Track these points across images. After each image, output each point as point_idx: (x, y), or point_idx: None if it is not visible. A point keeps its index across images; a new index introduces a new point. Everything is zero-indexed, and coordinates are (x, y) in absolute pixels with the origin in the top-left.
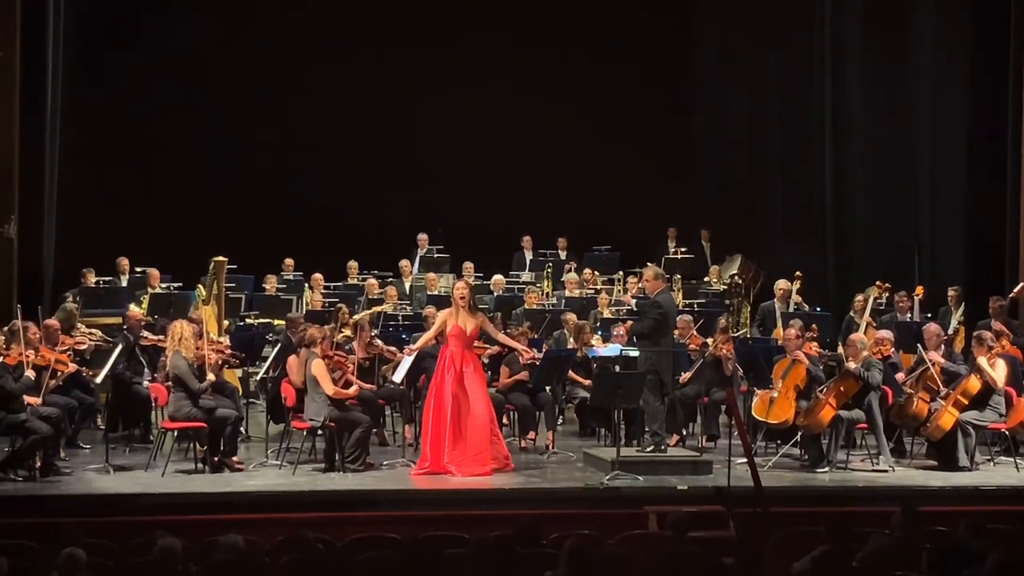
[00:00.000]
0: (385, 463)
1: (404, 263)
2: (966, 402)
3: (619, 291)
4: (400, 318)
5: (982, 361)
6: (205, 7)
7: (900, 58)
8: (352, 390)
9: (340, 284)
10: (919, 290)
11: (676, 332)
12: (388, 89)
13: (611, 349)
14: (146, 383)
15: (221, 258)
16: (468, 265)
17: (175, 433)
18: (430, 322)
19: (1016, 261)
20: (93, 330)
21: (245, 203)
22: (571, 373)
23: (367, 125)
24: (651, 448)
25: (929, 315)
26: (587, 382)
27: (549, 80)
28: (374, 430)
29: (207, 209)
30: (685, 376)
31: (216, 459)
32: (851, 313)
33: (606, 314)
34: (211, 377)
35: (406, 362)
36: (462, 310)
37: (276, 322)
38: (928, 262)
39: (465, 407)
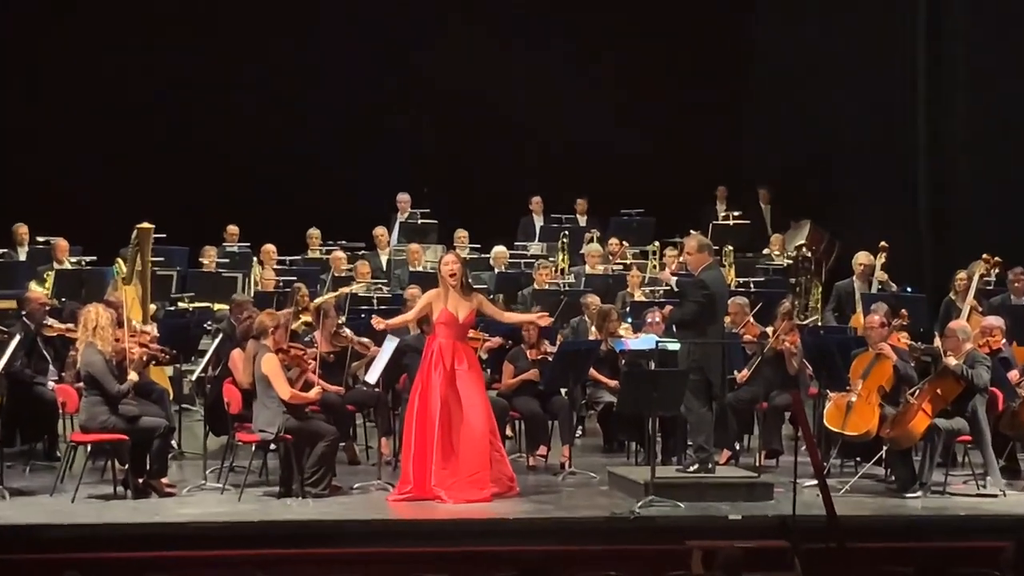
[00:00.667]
0: (356, 486)
1: (380, 231)
2: None
3: (654, 267)
4: (375, 301)
5: None
6: None
7: None
8: (314, 393)
9: (298, 258)
10: None
11: (727, 319)
12: (367, 22)
13: (644, 340)
14: (51, 384)
15: (146, 225)
16: (462, 233)
17: (88, 448)
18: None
19: None
20: None
21: (178, 157)
22: (593, 371)
23: (332, 62)
24: (695, 467)
25: None
26: (614, 383)
27: (568, 4)
28: (342, 444)
29: (129, 165)
30: (740, 375)
31: (141, 481)
32: (951, 295)
33: (638, 296)
34: (133, 376)
35: (383, 356)
36: (452, 291)
37: (216, 307)
38: None
39: (457, 415)
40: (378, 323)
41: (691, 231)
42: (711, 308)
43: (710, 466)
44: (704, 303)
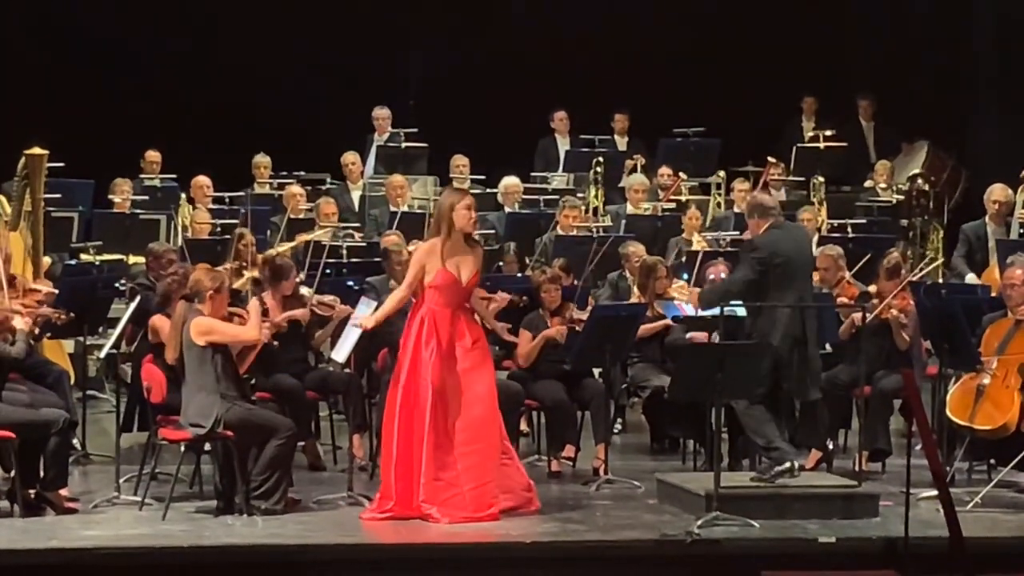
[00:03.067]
0: (320, 499)
1: (351, 159)
2: None
3: (718, 204)
4: (344, 252)
5: None
6: None
7: None
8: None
9: (241, 194)
10: None
11: (816, 277)
12: None
13: None
14: None
15: (38, 150)
16: (460, 161)
17: None
18: (395, 260)
19: None
20: None
21: (80, 60)
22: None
23: None
24: (772, 471)
25: None
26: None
27: None
28: (300, 443)
29: (15, 73)
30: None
31: (33, 493)
32: None
33: (697, 244)
34: (23, 329)
35: (354, 328)
36: (453, 242)
37: (132, 259)
38: None
39: (455, 407)
40: (364, 324)
41: (769, 158)
42: (774, 279)
43: (787, 465)
44: (760, 271)
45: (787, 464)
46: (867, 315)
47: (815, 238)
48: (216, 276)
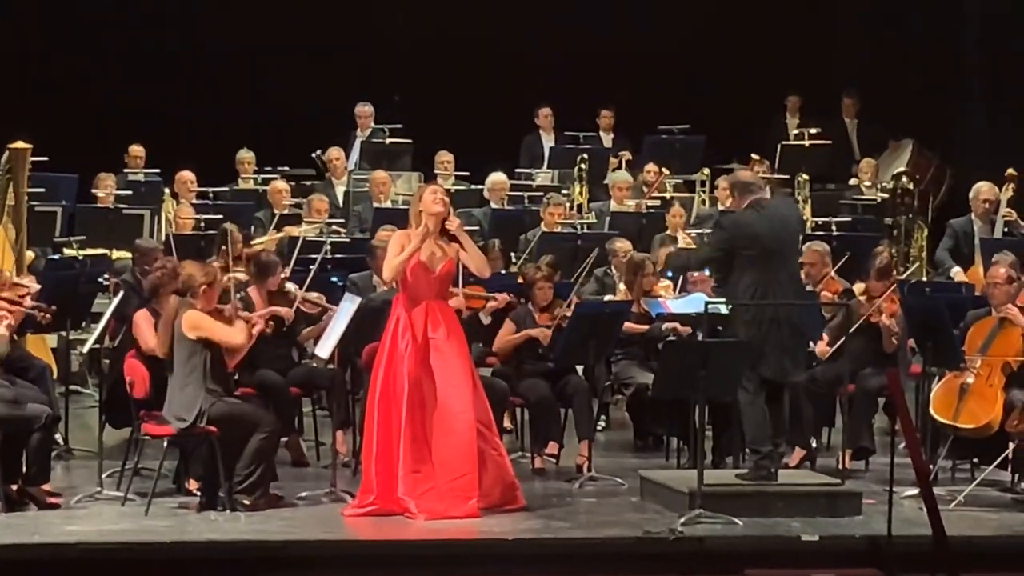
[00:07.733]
0: (303, 495)
1: (335, 154)
2: None
3: (702, 201)
4: (329, 248)
5: None
6: None
7: None
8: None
9: (225, 188)
10: None
11: (802, 272)
12: None
13: (689, 301)
14: None
15: (21, 144)
16: (445, 157)
17: None
18: (380, 257)
19: None
20: None
21: (61, 53)
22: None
23: None
24: (755, 470)
25: None
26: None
27: None
28: (283, 439)
29: None
30: (820, 348)
31: (15, 488)
32: None
33: (682, 241)
34: (3, 335)
35: (339, 322)
36: (428, 233)
37: (116, 254)
38: None
39: (431, 399)
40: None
41: (753, 155)
42: (747, 261)
43: (770, 467)
44: (723, 251)
45: (765, 461)
46: (852, 315)
47: None
48: (208, 271)
